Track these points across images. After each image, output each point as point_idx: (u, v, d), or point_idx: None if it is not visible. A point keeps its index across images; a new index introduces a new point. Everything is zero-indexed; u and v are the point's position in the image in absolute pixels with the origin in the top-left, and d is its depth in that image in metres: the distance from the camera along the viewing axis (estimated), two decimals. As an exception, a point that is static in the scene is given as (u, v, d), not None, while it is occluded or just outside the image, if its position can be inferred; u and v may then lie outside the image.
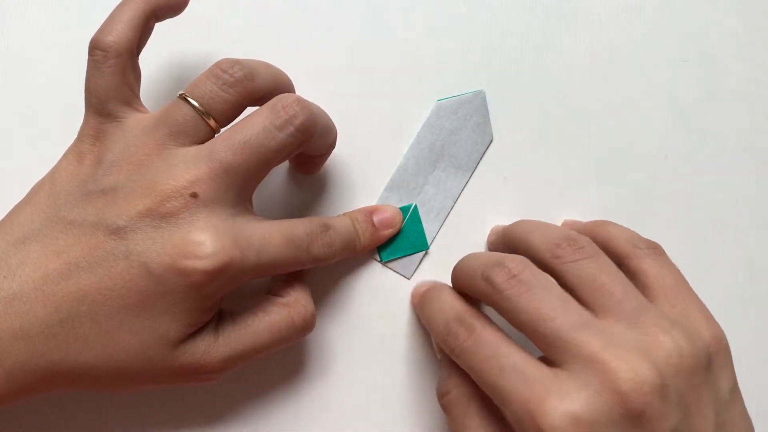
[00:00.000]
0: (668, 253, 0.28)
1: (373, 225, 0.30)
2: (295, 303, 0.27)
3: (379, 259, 0.31)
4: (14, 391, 0.23)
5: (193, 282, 0.23)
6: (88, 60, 0.26)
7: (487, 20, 0.33)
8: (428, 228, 0.31)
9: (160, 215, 0.24)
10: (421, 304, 0.28)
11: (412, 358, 0.31)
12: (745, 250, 0.33)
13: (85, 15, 0.33)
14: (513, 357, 0.23)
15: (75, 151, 0.26)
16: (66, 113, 0.32)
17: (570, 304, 0.23)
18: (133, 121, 0.26)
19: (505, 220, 0.32)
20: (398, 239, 0.31)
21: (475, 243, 0.32)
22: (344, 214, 0.30)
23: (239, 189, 0.25)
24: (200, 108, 0.25)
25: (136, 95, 0.27)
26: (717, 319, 0.32)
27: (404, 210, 0.31)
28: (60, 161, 0.27)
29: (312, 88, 0.32)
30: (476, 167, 0.32)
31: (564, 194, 0.32)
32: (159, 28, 0.33)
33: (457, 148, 0.32)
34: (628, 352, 0.21)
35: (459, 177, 0.32)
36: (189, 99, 0.25)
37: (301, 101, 0.25)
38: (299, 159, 0.30)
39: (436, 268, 0.32)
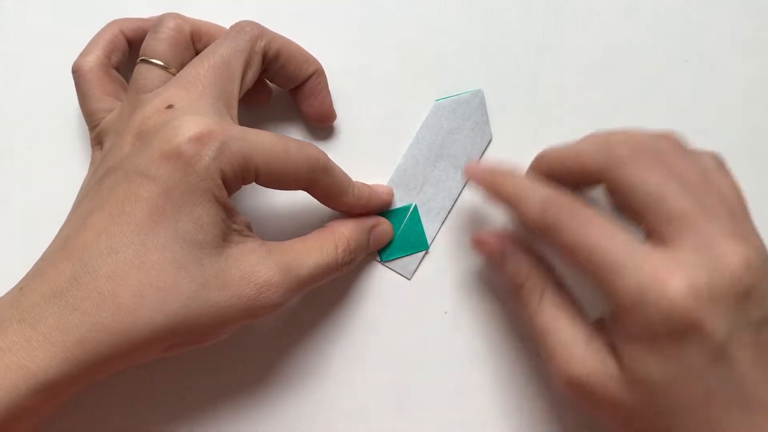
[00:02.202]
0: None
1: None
2: (337, 231, 0.28)
3: (378, 259, 0.31)
4: (79, 369, 0.22)
5: (185, 161, 0.23)
6: (74, 84, 0.29)
7: (487, 20, 0.33)
8: (428, 228, 0.31)
9: (144, 133, 0.25)
10: (499, 183, 0.27)
11: (413, 358, 0.31)
12: (745, 250, 0.33)
13: (85, 15, 0.33)
14: (625, 233, 0.24)
15: (90, 172, 0.28)
16: (66, 113, 0.32)
17: (687, 190, 0.24)
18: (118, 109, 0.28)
19: (506, 219, 0.32)
20: (398, 239, 0.31)
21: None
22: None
23: (214, 98, 0.26)
24: (161, 63, 0.27)
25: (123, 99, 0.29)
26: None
27: (404, 210, 0.31)
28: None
29: (312, 88, 0.32)
30: None
31: (564, 194, 0.32)
32: (159, 28, 0.33)
33: (456, 147, 0.32)
34: (735, 241, 0.23)
35: (458, 176, 0.32)
36: (149, 60, 0.27)
37: (253, 22, 0.28)
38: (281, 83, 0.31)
39: (436, 267, 0.32)
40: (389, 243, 0.31)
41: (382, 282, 0.32)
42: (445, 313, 0.32)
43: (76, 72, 0.29)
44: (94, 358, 0.22)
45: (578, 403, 0.25)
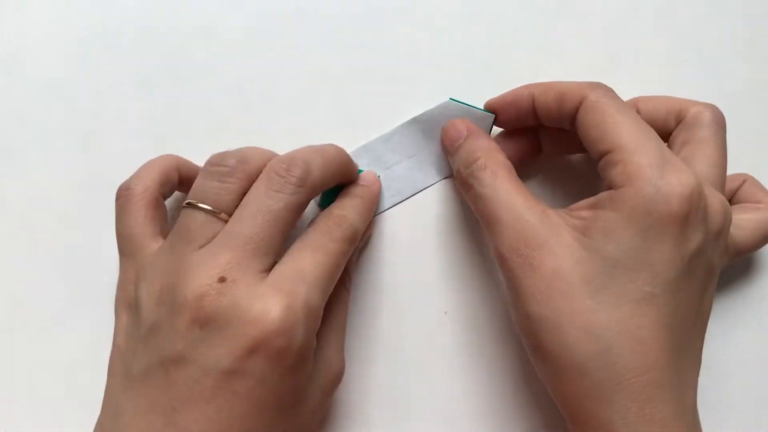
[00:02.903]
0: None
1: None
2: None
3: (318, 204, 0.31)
4: None
5: (276, 350, 0.22)
6: (116, 206, 0.27)
7: (487, 20, 0.33)
8: (379, 205, 0.32)
9: (207, 319, 0.23)
10: (533, 85, 0.28)
11: (413, 358, 0.31)
12: (745, 250, 0.33)
13: (85, 15, 0.33)
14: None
15: (120, 304, 0.26)
16: (66, 113, 0.32)
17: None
18: (158, 250, 0.26)
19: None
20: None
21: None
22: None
23: (264, 256, 0.24)
24: (210, 208, 0.25)
25: (164, 231, 0.27)
26: (717, 319, 0.32)
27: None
28: (115, 322, 0.27)
29: (312, 89, 0.32)
30: (450, 176, 0.32)
31: (565, 194, 0.32)
32: (158, 28, 0.33)
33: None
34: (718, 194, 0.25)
35: (431, 175, 0.32)
36: (197, 204, 0.25)
37: (290, 157, 0.25)
38: None
39: (436, 267, 0.32)
40: (334, 194, 0.29)
41: (382, 282, 0.32)
42: (446, 313, 0.31)
43: (127, 191, 0.27)
44: None
45: (510, 277, 0.25)
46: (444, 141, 0.30)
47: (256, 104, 0.32)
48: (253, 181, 0.25)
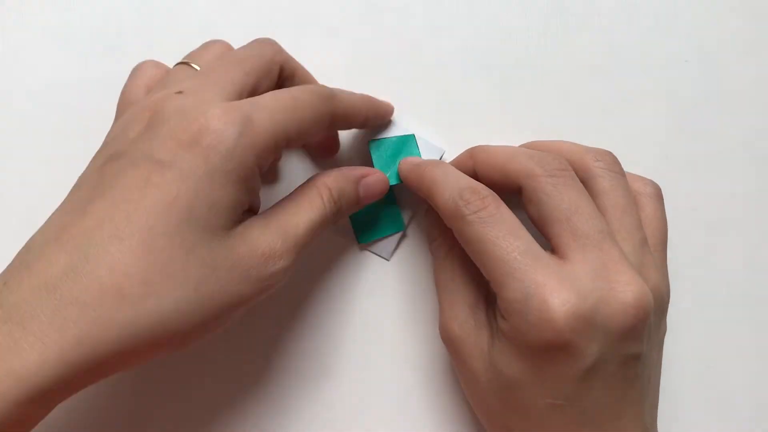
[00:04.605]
0: (669, 253, 0.28)
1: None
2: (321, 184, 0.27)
3: (358, 242, 0.31)
4: (76, 371, 0.20)
5: (205, 146, 0.22)
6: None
7: (487, 20, 0.33)
8: (404, 211, 0.32)
9: (154, 119, 0.23)
10: (423, 172, 0.28)
11: (413, 358, 0.31)
12: (745, 250, 0.33)
13: (85, 15, 0.33)
14: (527, 239, 0.24)
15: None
16: (66, 113, 0.32)
17: (599, 213, 0.25)
18: None
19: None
20: (375, 221, 0.31)
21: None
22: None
23: (226, 83, 0.25)
24: (195, 66, 0.27)
25: None
26: (717, 319, 0.32)
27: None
28: None
29: (312, 88, 0.32)
30: None
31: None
32: (158, 28, 0.33)
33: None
34: (633, 275, 0.24)
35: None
36: (188, 63, 0.27)
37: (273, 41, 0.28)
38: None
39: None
40: (367, 226, 0.31)
41: (382, 281, 0.32)
42: (446, 313, 0.32)
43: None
44: (94, 358, 0.20)
45: (449, 352, 0.28)
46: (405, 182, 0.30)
47: (256, 104, 0.32)
48: None
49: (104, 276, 0.20)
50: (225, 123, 0.22)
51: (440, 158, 0.31)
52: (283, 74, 0.28)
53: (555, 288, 0.23)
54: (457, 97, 0.32)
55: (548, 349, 0.23)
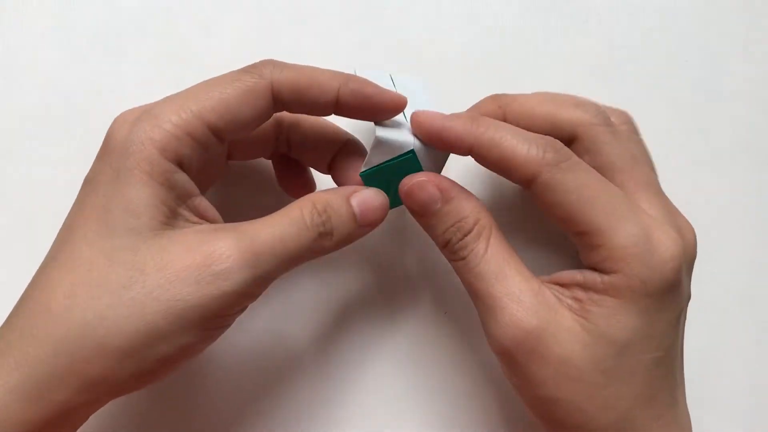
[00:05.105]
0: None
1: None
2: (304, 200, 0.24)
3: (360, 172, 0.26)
4: (21, 401, 0.20)
5: (109, 149, 0.23)
6: None
7: (487, 20, 0.33)
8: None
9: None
10: (477, 132, 0.24)
11: (412, 358, 0.31)
12: (745, 250, 0.33)
13: (85, 15, 0.33)
14: (618, 189, 0.24)
15: None
16: (66, 113, 0.32)
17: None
18: None
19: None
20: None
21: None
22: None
23: (182, 100, 0.23)
24: None
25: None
26: (717, 319, 0.32)
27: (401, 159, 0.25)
28: None
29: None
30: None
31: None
32: (158, 29, 0.33)
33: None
34: (686, 219, 0.26)
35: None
36: None
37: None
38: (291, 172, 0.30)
39: (436, 267, 0.32)
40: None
41: (382, 281, 0.32)
42: (445, 313, 0.32)
43: None
44: (32, 384, 0.20)
45: (513, 365, 0.23)
46: (412, 204, 0.25)
47: (256, 104, 0.32)
48: None
49: (37, 297, 0.21)
50: (121, 122, 0.23)
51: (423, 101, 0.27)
52: (282, 94, 0.24)
53: (661, 227, 0.23)
54: (457, 97, 0.32)
55: (665, 292, 0.23)
